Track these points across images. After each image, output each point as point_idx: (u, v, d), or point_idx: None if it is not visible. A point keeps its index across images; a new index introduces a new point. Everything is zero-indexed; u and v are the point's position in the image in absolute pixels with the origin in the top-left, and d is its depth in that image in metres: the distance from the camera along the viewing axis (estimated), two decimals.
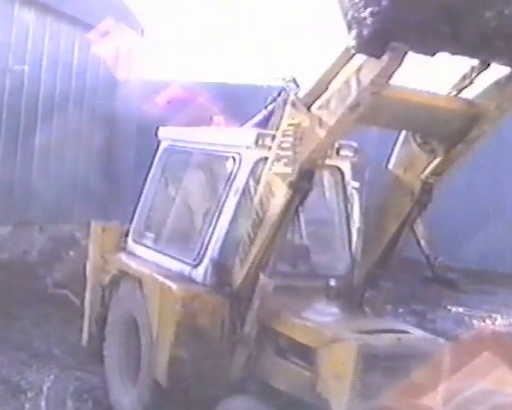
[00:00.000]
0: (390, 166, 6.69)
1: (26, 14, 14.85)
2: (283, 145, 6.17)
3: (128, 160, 17.91)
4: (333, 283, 7.02)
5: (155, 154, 8.35)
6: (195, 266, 6.98)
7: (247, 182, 6.87)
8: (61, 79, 15.90)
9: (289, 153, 6.10)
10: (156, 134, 8.42)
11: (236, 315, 6.65)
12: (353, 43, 4.99)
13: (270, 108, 8.49)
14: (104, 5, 15.69)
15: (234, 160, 7.01)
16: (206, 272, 6.86)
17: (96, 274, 8.29)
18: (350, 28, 5.05)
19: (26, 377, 8.58)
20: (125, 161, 17.81)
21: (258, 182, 6.84)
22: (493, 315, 14.00)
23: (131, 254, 8.10)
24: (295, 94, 6.09)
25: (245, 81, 19.13)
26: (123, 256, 8.02)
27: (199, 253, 6.99)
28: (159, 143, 8.40)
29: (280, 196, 6.16)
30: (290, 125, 6.15)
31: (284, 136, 6.21)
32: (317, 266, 7.33)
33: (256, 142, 6.80)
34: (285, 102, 8.05)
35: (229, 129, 7.63)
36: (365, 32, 4.85)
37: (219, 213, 6.92)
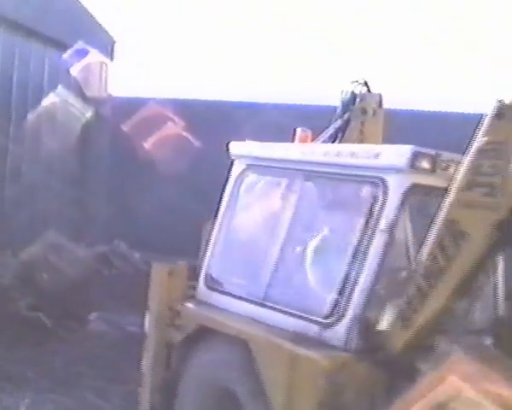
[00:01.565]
0: None
1: None
2: (482, 169, 4.76)
3: (101, 179, 17.11)
4: (488, 341, 5.62)
5: (228, 176, 6.52)
6: (330, 326, 5.16)
7: (397, 216, 5.12)
8: (32, 98, 15.18)
9: (493, 179, 4.53)
10: (228, 150, 6.59)
11: (396, 389, 5.17)
12: None
13: (345, 116, 7.01)
14: (74, 21, 15.17)
15: (375, 186, 5.22)
16: (348, 334, 5.06)
17: (160, 329, 6.32)
18: None
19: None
20: (97, 181, 17.03)
21: (409, 214, 5.41)
22: None
23: (208, 304, 6.19)
24: (500, 101, 4.65)
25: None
26: (202, 308, 6.10)
27: (334, 308, 5.18)
28: (232, 162, 6.55)
29: (477, 237, 4.48)
30: (492, 142, 4.70)
31: (481, 157, 4.76)
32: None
33: (412, 163, 5.06)
34: (363, 111, 6.66)
35: (356, 146, 5.95)
36: None
37: (363, 257, 5.13)
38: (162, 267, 6.46)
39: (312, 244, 5.64)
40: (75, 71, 14.47)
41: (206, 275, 6.39)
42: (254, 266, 6.08)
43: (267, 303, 5.71)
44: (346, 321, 5.15)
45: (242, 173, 6.40)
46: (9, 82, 14.63)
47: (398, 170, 5.18)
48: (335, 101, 7.06)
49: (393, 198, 5.17)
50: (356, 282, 5.17)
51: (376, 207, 5.20)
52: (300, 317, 5.42)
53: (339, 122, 6.73)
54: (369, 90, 6.78)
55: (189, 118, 17.28)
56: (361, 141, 6.57)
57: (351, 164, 5.50)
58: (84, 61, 14.50)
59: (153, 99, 16.82)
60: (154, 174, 17.17)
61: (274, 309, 5.63)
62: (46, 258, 13.49)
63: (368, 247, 5.16)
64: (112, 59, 17.44)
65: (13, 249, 13.57)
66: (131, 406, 8.22)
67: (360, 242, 5.24)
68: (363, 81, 6.77)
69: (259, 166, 6.31)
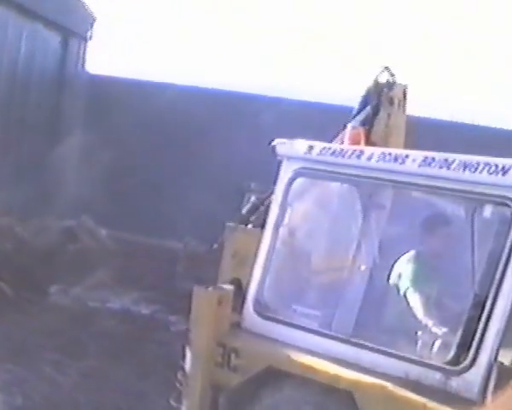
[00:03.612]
0: None
1: None
2: None
3: (72, 155, 16.17)
4: None
5: (276, 180, 5.28)
6: (459, 373, 4.21)
7: None
8: (7, 69, 14.86)
9: None
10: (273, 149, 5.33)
11: None
12: None
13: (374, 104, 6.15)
14: None
15: (504, 207, 4.29)
16: (483, 383, 4.14)
17: (208, 370, 5.13)
18: None
19: None
20: (67, 155, 15.91)
21: None
22: None
23: (262, 336, 5.05)
24: None
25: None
26: (270, 345, 4.92)
27: (463, 351, 4.24)
28: (279, 163, 5.31)
29: None
30: None
31: None
32: None
33: None
34: (390, 101, 5.87)
35: (468, 157, 4.83)
36: None
37: (496, 288, 4.18)
38: (210, 294, 5.13)
39: (419, 271, 4.76)
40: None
41: (256, 300, 5.18)
42: (329, 292, 4.95)
43: (358, 341, 4.60)
44: (479, 367, 4.14)
45: (295, 177, 5.22)
46: None
47: None
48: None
49: None
50: (489, 318, 4.16)
51: (508, 231, 4.38)
52: (412, 360, 4.38)
53: (365, 113, 5.90)
54: (393, 78, 6.01)
55: (166, 101, 16.38)
56: (386, 136, 5.75)
57: (465, 179, 4.44)
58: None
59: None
60: (127, 152, 16.20)
61: (369, 349, 4.51)
62: (11, 228, 13.09)
63: (502, 276, 4.19)
64: (91, 37, 16.97)
65: None
66: (88, 382, 7.98)
67: (489, 270, 4.34)
68: (387, 68, 5.98)
69: (320, 170, 5.15)
